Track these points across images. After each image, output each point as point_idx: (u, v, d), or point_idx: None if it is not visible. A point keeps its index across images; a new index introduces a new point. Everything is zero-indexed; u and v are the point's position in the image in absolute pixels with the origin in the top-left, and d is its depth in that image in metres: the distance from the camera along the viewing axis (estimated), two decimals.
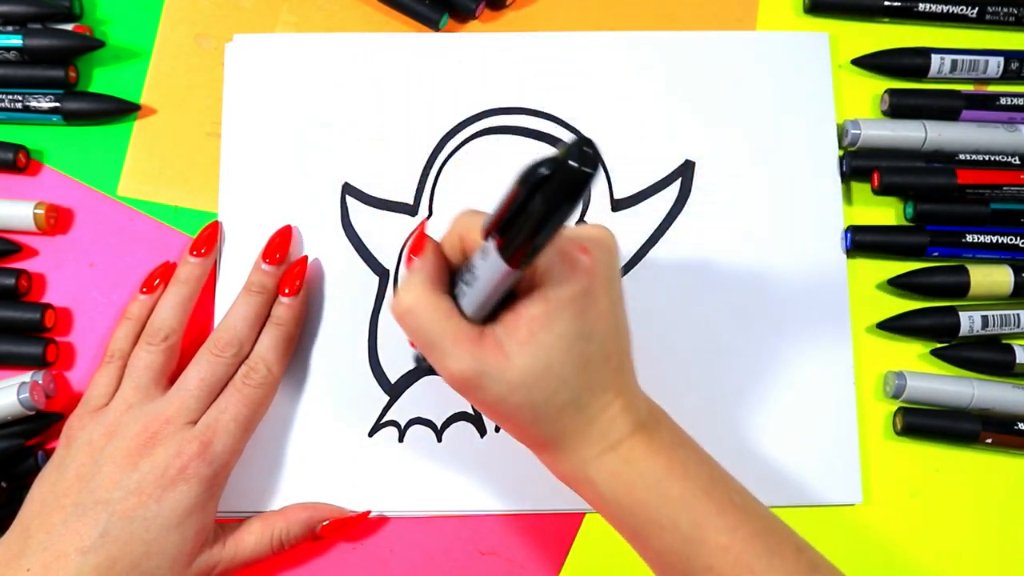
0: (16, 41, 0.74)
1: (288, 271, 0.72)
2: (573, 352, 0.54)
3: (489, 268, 0.51)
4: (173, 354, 0.70)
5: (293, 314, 0.71)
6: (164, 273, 0.72)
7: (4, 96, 0.75)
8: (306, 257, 0.73)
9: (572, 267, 0.54)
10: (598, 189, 0.75)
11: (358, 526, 0.71)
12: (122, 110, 0.76)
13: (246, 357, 0.69)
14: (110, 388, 0.68)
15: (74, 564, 0.61)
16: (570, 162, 0.43)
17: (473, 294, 0.54)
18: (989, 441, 0.72)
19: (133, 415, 0.66)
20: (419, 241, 0.56)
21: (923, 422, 0.72)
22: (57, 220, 0.75)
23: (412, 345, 0.61)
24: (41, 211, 0.73)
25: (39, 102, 0.74)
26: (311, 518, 0.69)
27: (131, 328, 0.70)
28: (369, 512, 0.71)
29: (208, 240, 0.72)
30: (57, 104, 0.74)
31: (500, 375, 0.53)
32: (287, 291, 0.71)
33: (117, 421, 0.66)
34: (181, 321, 0.70)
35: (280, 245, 0.72)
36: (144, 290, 0.71)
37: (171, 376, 0.69)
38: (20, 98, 0.75)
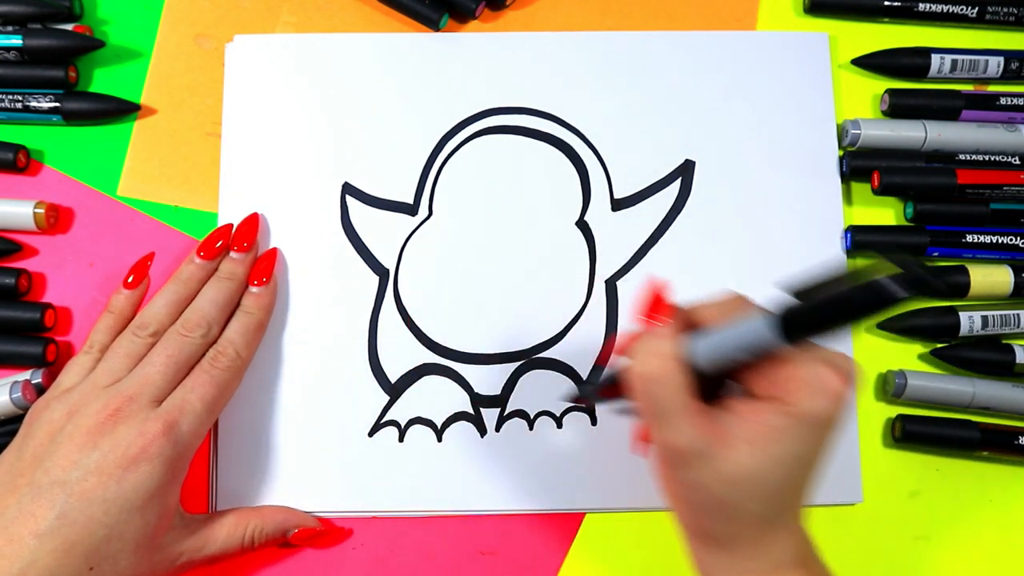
0: (16, 41, 0.74)
1: (258, 262, 0.72)
2: (792, 472, 0.53)
3: (750, 336, 0.51)
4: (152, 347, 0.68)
5: (263, 303, 0.71)
6: (145, 266, 0.72)
7: (4, 96, 0.75)
8: (276, 249, 0.73)
9: (825, 390, 0.51)
10: (598, 188, 0.75)
11: (328, 536, 0.71)
12: (122, 110, 0.76)
13: (214, 341, 0.69)
14: (82, 377, 0.67)
15: (28, 548, 0.59)
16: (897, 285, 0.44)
17: (710, 357, 0.53)
18: (986, 454, 0.73)
19: (96, 394, 0.64)
20: (659, 304, 0.56)
21: (922, 430, 0.73)
22: (57, 220, 0.75)
23: (606, 395, 0.61)
24: (41, 210, 0.73)
25: (39, 102, 0.74)
26: (286, 520, 0.69)
27: (113, 321, 0.70)
28: (336, 521, 0.71)
29: (216, 244, 0.72)
30: (57, 104, 0.74)
31: (714, 463, 0.52)
32: (256, 282, 0.71)
33: (82, 401, 0.64)
34: (172, 318, 0.69)
35: (247, 233, 0.72)
36: (129, 282, 0.71)
37: None
38: (20, 98, 0.74)
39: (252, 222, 0.73)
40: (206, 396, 0.66)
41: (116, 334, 0.69)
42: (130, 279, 0.71)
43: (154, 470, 0.62)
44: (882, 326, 0.74)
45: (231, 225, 0.73)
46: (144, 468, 0.62)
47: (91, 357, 0.68)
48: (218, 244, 0.72)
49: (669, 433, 0.52)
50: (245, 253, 0.72)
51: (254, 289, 0.71)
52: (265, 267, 0.72)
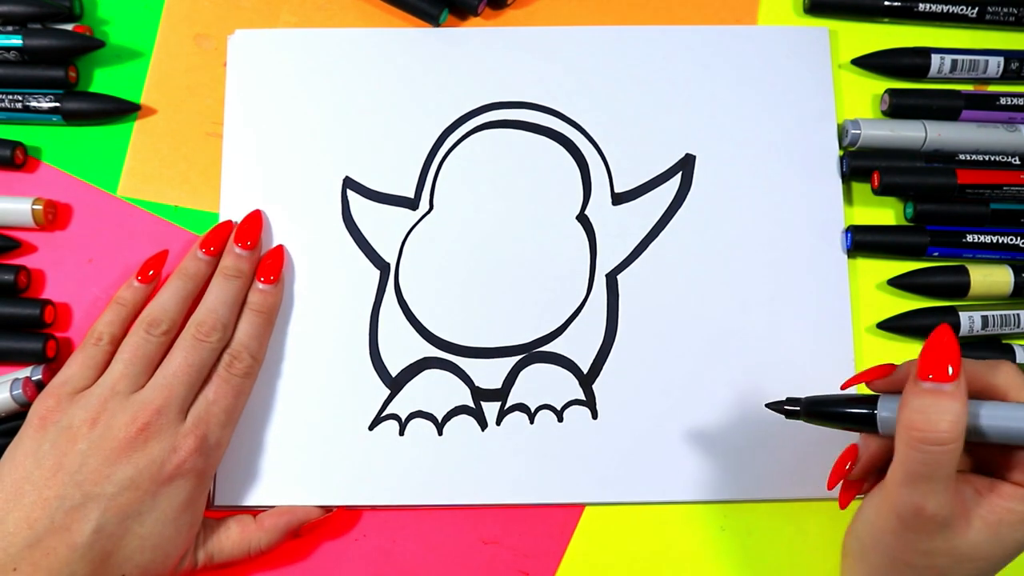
0: (16, 41, 0.74)
1: (266, 259, 0.72)
2: (1011, 555, 0.54)
3: None
4: (165, 348, 0.68)
5: (270, 301, 0.71)
6: (161, 262, 0.72)
7: (4, 96, 0.75)
8: (282, 246, 0.73)
9: None
10: (599, 182, 0.75)
11: (339, 518, 0.71)
12: (122, 110, 0.76)
13: (228, 342, 0.69)
14: (93, 371, 0.67)
15: (65, 560, 0.60)
16: None
17: (990, 432, 0.53)
18: None
19: (119, 403, 0.64)
20: (948, 355, 0.52)
21: None
22: (56, 216, 0.75)
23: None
24: (39, 207, 0.73)
25: (39, 102, 0.74)
26: (290, 523, 0.69)
27: (122, 313, 0.69)
28: (342, 507, 0.71)
29: (218, 239, 0.71)
30: (57, 104, 0.74)
31: (951, 536, 0.53)
32: (263, 279, 0.71)
33: (101, 408, 0.64)
34: (181, 314, 0.69)
35: (251, 230, 0.72)
36: (140, 278, 0.71)
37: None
38: (20, 98, 0.75)
39: (255, 219, 0.73)
40: (228, 406, 0.67)
41: (126, 326, 0.69)
42: (150, 272, 0.71)
43: (187, 483, 0.64)
44: (882, 326, 0.74)
45: (231, 222, 0.73)
46: (179, 483, 0.64)
47: (100, 350, 0.67)
48: (222, 239, 0.72)
49: (926, 498, 0.52)
50: (250, 251, 0.71)
51: (262, 286, 0.71)
52: (274, 265, 0.72)
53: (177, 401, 0.65)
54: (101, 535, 0.61)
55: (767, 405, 0.63)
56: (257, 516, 0.69)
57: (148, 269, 0.71)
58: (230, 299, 0.69)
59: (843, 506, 0.63)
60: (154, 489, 0.62)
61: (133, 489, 0.62)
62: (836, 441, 0.69)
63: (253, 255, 0.72)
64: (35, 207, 0.73)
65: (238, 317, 0.70)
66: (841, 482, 0.63)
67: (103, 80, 0.78)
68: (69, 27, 0.77)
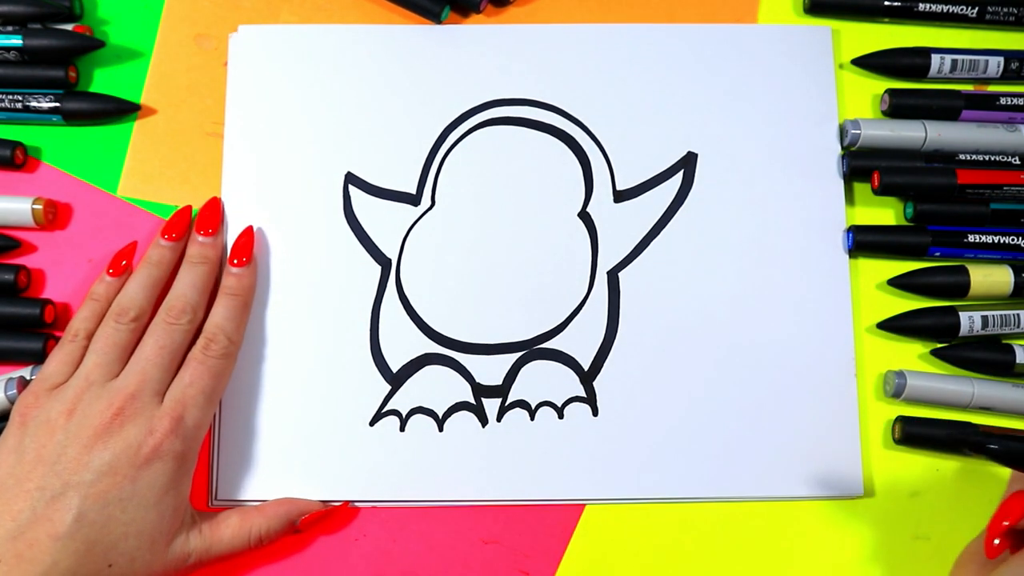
0: (16, 41, 0.74)
1: (237, 242, 0.72)
2: None
3: None
4: (138, 335, 0.68)
5: (245, 284, 0.71)
6: (131, 254, 0.72)
7: (4, 96, 0.75)
8: (251, 227, 0.73)
9: None
10: (600, 179, 0.75)
11: (339, 516, 0.71)
12: (122, 110, 0.76)
13: (200, 325, 0.69)
14: (70, 367, 0.67)
15: (49, 550, 0.59)
16: None
17: None
18: None
19: (94, 393, 0.64)
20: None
21: (922, 432, 0.72)
22: (56, 216, 0.75)
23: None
24: (39, 206, 0.73)
25: (39, 102, 0.74)
26: (290, 512, 0.69)
27: (97, 309, 0.69)
28: (348, 503, 0.71)
29: (179, 225, 0.72)
30: (57, 104, 0.74)
31: None
32: (236, 261, 0.71)
33: (77, 398, 0.64)
34: (150, 302, 0.69)
35: (211, 218, 0.72)
36: (111, 271, 0.71)
37: None
38: (20, 98, 0.74)
39: (215, 205, 0.73)
40: (205, 387, 0.67)
41: (100, 321, 0.69)
42: (122, 263, 0.71)
43: (166, 466, 0.63)
44: (882, 326, 0.74)
45: (191, 207, 0.74)
46: (157, 466, 0.63)
47: (77, 346, 0.68)
48: (183, 225, 0.72)
49: None
50: (212, 237, 0.72)
51: (235, 270, 0.71)
52: (244, 246, 0.72)
53: (152, 385, 0.65)
54: (83, 523, 0.61)
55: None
56: (259, 505, 0.69)
57: (119, 261, 0.71)
58: (199, 283, 0.70)
59: (992, 556, 0.59)
60: (133, 473, 0.62)
61: (111, 474, 0.62)
62: (837, 441, 0.70)
63: (216, 241, 0.72)
64: (35, 207, 0.73)
65: (211, 302, 0.71)
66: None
67: (103, 80, 0.78)
68: (69, 27, 0.77)
